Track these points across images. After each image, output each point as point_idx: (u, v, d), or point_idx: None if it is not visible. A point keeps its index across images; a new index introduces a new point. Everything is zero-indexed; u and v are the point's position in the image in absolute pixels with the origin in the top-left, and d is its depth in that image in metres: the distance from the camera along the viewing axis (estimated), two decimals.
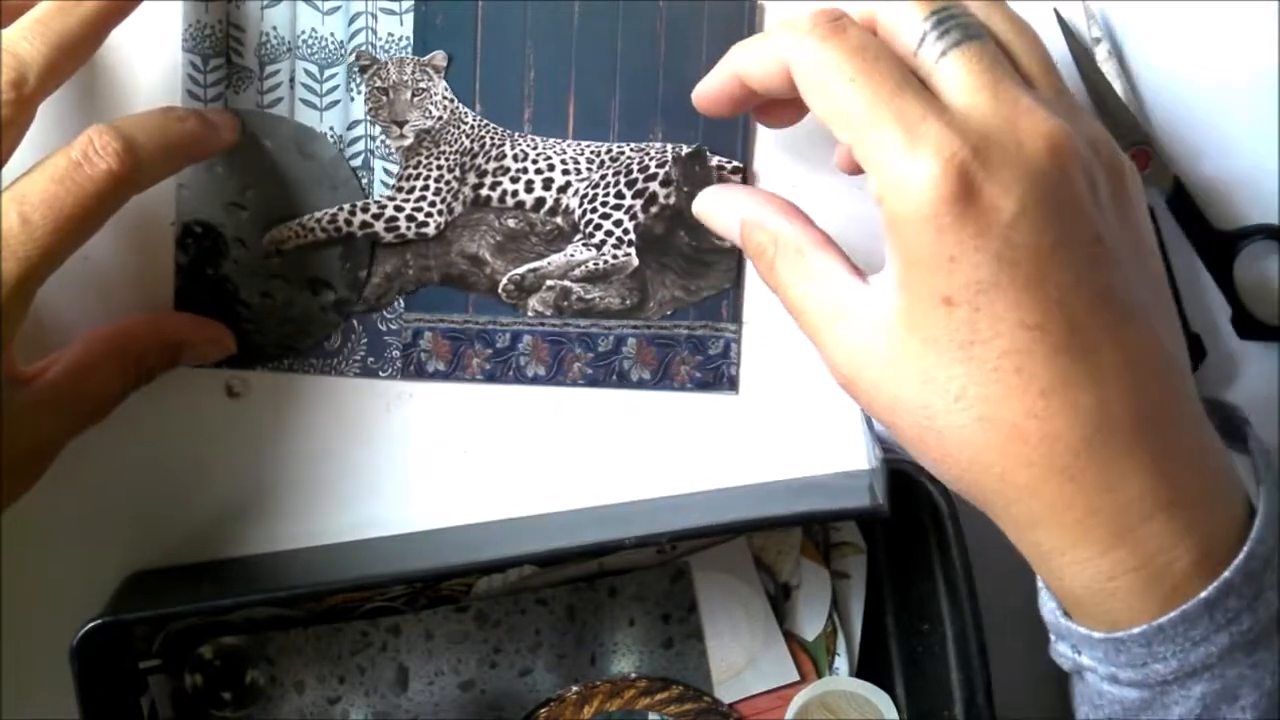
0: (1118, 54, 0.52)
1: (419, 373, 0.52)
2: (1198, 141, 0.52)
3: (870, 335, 0.40)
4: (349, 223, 0.51)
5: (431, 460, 0.53)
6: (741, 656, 0.53)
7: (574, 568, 0.53)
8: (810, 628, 0.54)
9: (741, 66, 0.43)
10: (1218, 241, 0.53)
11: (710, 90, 0.45)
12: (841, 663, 0.54)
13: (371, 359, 0.52)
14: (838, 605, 0.54)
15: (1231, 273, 0.53)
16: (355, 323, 0.52)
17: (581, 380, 0.53)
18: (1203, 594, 0.38)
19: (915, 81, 0.39)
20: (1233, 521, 0.39)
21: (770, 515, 0.49)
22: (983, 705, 0.48)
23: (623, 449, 0.53)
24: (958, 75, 0.38)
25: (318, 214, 0.51)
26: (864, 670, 0.54)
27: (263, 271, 0.51)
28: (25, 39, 0.42)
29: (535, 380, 0.53)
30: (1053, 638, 0.43)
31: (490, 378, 0.53)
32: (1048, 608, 0.42)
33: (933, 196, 0.37)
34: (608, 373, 0.53)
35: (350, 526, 0.52)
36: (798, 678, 0.53)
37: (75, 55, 0.43)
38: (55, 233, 0.41)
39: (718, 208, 0.47)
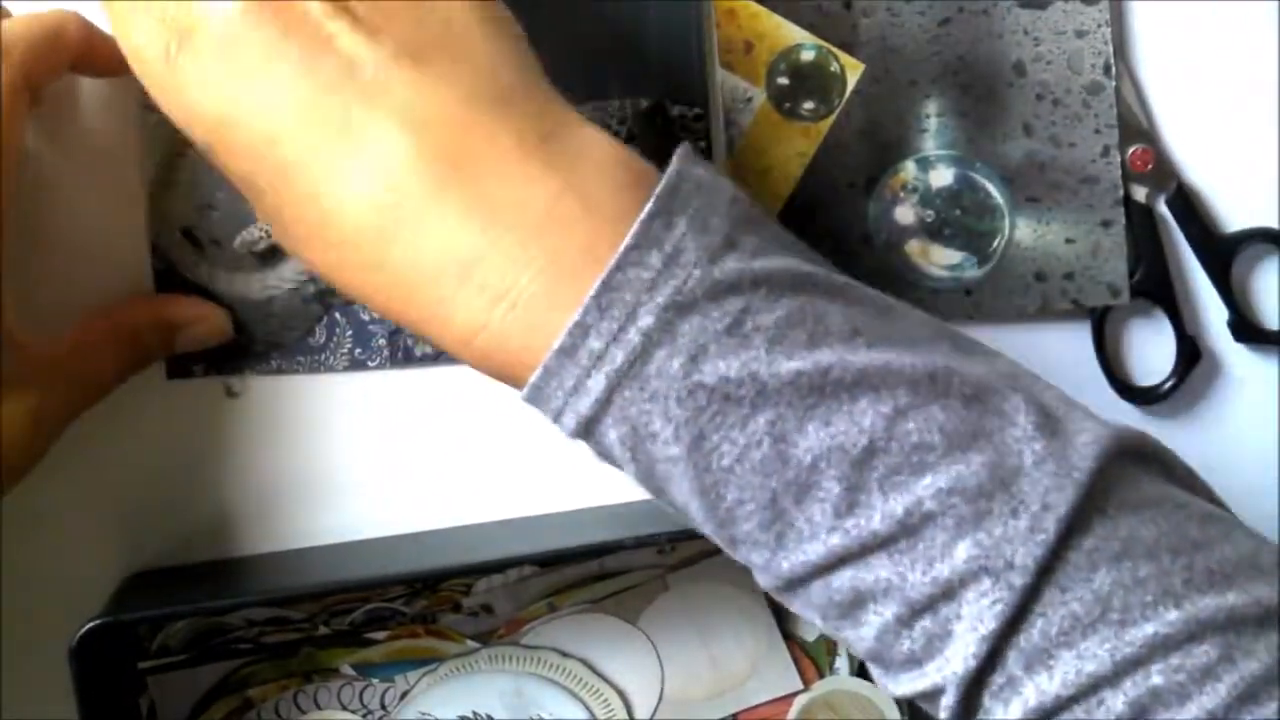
0: (1123, 56, 0.52)
1: (407, 358, 0.51)
2: (1199, 144, 0.53)
3: None
4: None
5: (431, 458, 0.52)
6: (745, 665, 0.52)
7: (574, 568, 0.52)
8: (811, 628, 0.53)
9: None
10: (1217, 244, 0.53)
11: None
12: (842, 663, 0.53)
13: (358, 350, 0.51)
14: None
15: (1230, 276, 0.53)
16: (339, 315, 0.51)
17: None
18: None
19: None
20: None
21: None
22: None
23: None
24: None
25: None
26: (864, 669, 0.53)
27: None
28: None
29: None
30: None
31: None
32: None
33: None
34: None
35: (350, 526, 0.52)
36: (801, 686, 0.53)
37: None
38: None
39: None
